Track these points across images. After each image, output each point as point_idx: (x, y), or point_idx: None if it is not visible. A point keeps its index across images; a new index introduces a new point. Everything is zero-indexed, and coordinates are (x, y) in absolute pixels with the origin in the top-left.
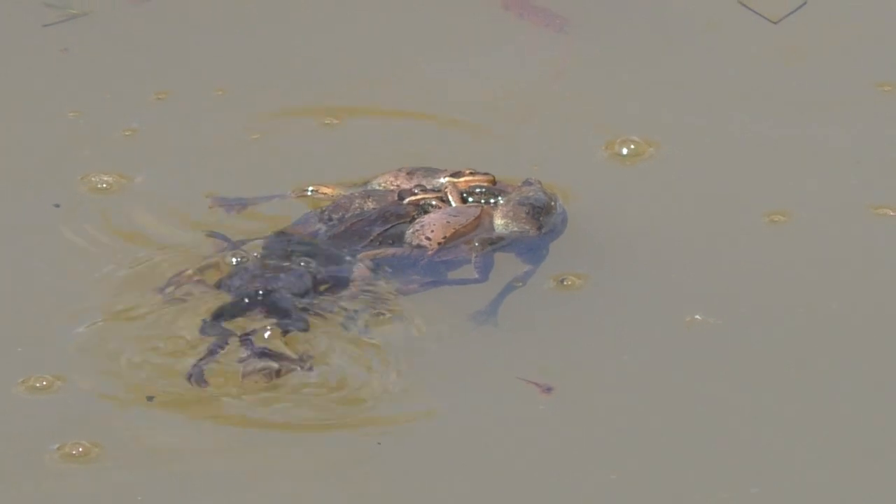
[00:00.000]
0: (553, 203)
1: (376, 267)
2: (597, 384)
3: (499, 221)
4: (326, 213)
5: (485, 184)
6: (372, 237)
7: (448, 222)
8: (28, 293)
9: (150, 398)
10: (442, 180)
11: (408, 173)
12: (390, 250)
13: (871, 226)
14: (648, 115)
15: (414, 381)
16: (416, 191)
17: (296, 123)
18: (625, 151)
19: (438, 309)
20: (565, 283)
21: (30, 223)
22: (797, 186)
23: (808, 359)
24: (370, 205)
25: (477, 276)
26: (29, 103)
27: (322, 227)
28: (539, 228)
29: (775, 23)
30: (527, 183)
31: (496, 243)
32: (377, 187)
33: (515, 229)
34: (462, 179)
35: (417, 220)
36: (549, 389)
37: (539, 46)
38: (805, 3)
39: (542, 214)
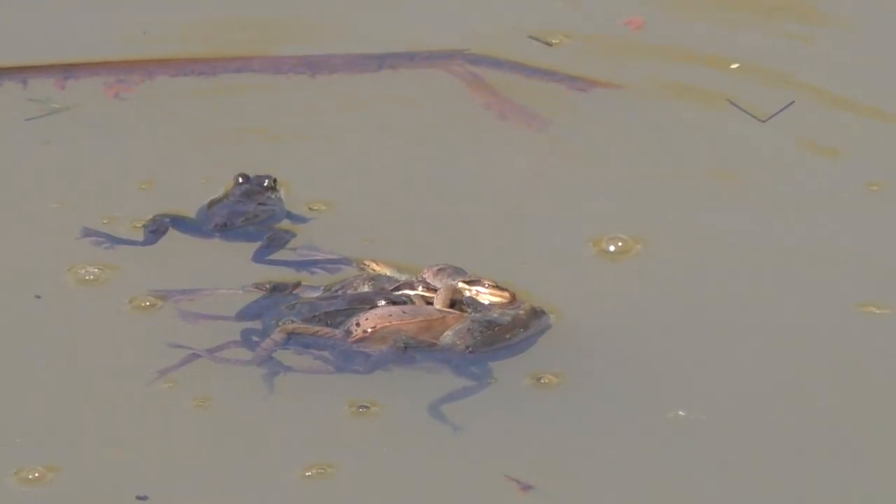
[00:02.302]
0: (516, 331)
1: (289, 339)
2: (578, 482)
3: (447, 332)
4: (337, 285)
5: (497, 299)
6: (316, 314)
7: (390, 315)
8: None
9: (141, 498)
10: (453, 282)
11: (438, 269)
12: (313, 328)
13: (855, 323)
14: (635, 212)
15: (384, 471)
16: (417, 286)
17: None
18: (612, 248)
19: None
20: (542, 381)
21: (12, 315)
22: (784, 285)
23: (793, 454)
24: (365, 288)
25: (360, 366)
26: (13, 195)
27: (319, 294)
28: (466, 348)
29: (763, 121)
30: (515, 305)
31: (412, 346)
32: (413, 277)
33: (448, 341)
34: (473, 288)
35: (367, 310)
36: (528, 488)
37: (520, 146)
38: (793, 103)
39: (487, 337)
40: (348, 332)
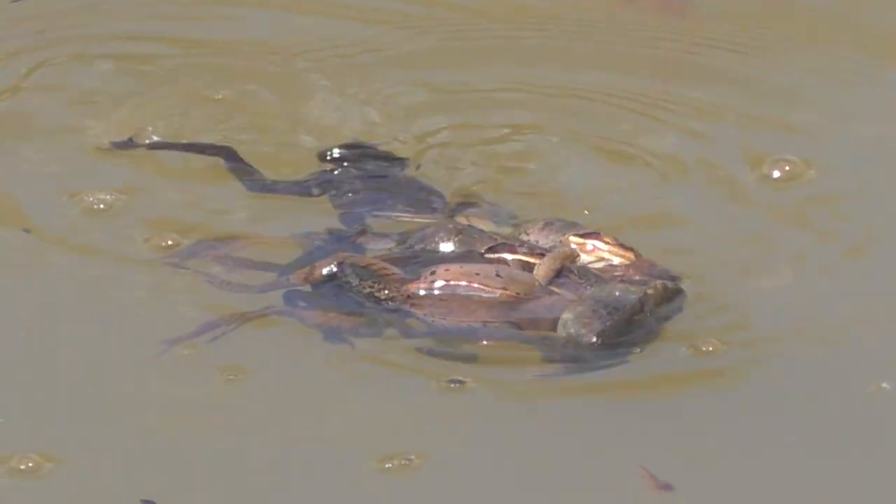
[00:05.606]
0: (644, 313)
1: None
2: (729, 481)
3: (566, 315)
4: (414, 237)
5: (619, 259)
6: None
7: (477, 273)
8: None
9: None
10: (565, 248)
11: (545, 224)
12: (368, 259)
13: None
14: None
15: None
16: (518, 249)
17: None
18: (777, 174)
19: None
20: (704, 348)
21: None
22: None
23: None
24: (450, 244)
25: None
26: None
27: (390, 248)
28: (596, 337)
29: None
30: (642, 280)
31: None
32: (515, 235)
33: (572, 331)
34: (590, 243)
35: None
36: (667, 487)
37: None
38: None
39: (617, 321)
40: (416, 276)
